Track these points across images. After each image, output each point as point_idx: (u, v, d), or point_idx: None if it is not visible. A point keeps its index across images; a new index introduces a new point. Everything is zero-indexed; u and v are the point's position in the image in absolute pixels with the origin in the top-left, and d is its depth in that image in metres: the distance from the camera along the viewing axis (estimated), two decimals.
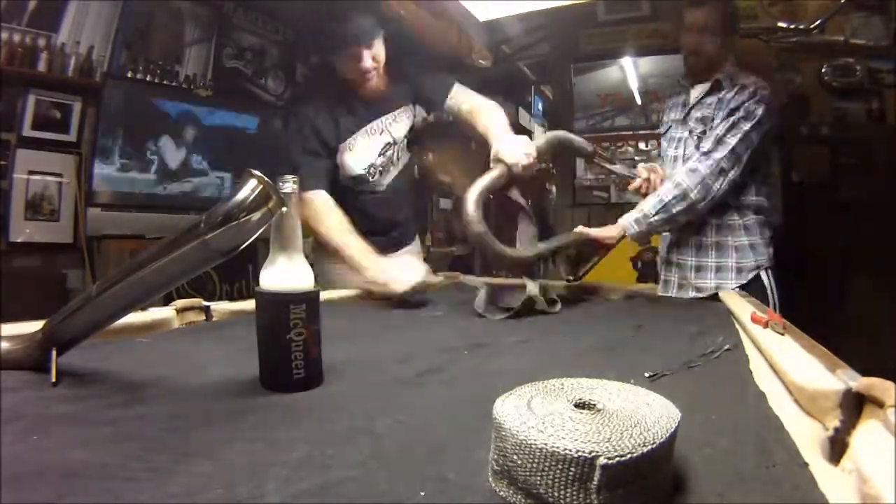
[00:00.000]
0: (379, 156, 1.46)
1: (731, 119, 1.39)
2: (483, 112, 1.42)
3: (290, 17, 3.64)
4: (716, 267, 1.48)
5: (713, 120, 1.44)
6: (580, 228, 1.40)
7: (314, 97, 1.43)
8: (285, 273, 0.57)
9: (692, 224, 1.48)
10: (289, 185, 0.57)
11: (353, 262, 1.27)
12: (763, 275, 1.46)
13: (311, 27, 1.37)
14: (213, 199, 2.72)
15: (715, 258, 1.48)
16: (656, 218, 1.39)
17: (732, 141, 1.37)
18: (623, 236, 1.41)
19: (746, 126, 1.37)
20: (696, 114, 1.51)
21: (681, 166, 1.47)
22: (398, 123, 1.48)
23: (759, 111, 1.37)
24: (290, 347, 0.56)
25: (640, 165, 1.61)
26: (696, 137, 1.48)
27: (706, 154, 1.40)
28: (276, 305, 0.56)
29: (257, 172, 0.50)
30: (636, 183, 1.57)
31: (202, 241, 0.50)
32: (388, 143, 1.47)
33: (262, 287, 0.58)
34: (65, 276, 2.60)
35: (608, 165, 1.77)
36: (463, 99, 1.47)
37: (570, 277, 1.38)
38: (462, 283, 1.52)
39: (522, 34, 3.69)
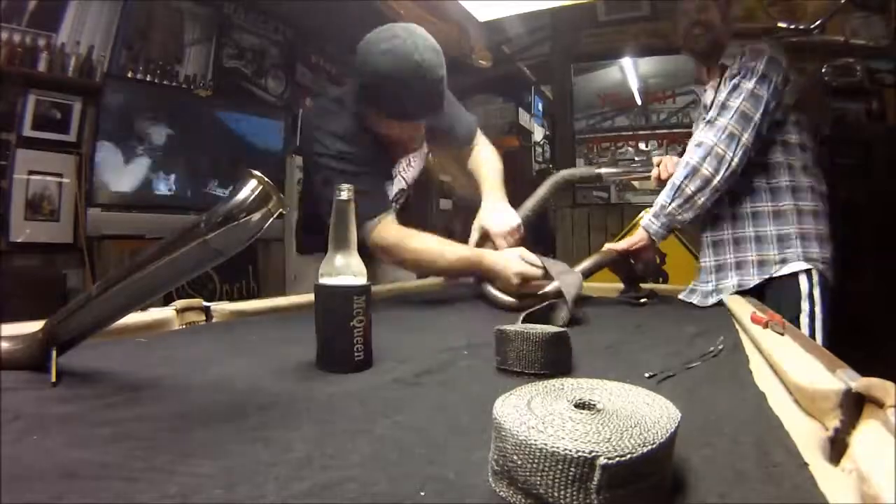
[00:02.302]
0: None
1: (732, 82, 1.23)
2: (483, 170, 1.42)
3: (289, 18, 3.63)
4: (735, 264, 1.28)
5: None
6: (607, 246, 1.32)
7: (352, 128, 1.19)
8: (346, 269, 0.66)
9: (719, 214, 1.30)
10: (345, 192, 0.65)
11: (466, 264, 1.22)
12: (803, 279, 1.21)
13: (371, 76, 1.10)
14: (214, 199, 2.73)
15: (734, 253, 1.29)
16: (673, 205, 1.23)
17: (735, 102, 1.20)
18: (652, 239, 1.28)
19: (749, 83, 1.21)
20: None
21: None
22: (412, 168, 1.37)
23: (760, 65, 1.21)
24: (353, 333, 0.65)
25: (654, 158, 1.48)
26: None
27: (710, 123, 1.23)
28: (342, 297, 0.64)
29: (257, 173, 0.50)
30: (653, 173, 1.43)
31: (202, 241, 0.50)
32: (402, 189, 1.34)
33: (326, 282, 0.65)
34: (65, 276, 2.60)
35: (622, 178, 1.71)
36: (475, 143, 1.46)
37: (643, 300, 1.29)
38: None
39: (522, 34, 3.70)
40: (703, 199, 1.22)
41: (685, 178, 1.22)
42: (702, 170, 1.20)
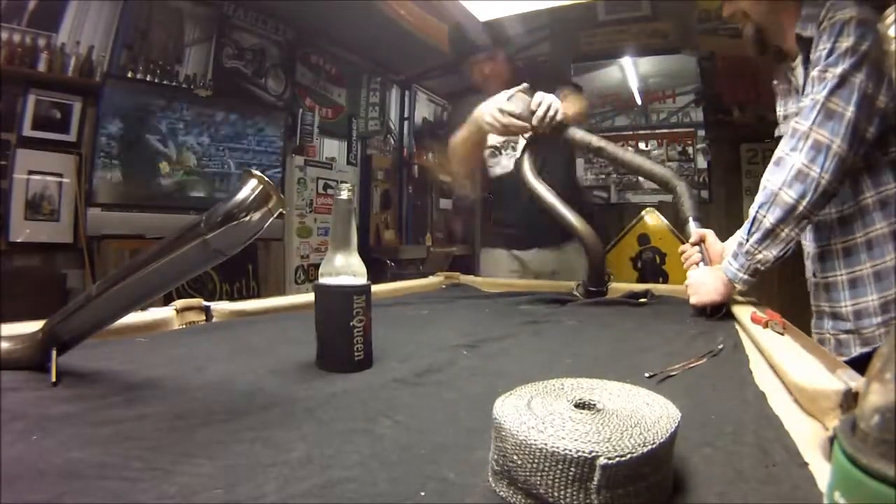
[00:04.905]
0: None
1: (816, 71, 0.92)
2: None
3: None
4: (853, 310, 0.97)
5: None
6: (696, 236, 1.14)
7: None
8: (347, 269, 0.65)
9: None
10: (345, 192, 0.65)
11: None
12: None
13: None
14: (213, 199, 2.73)
15: (848, 291, 0.98)
16: (751, 241, 0.95)
17: (819, 97, 0.90)
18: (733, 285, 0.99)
19: (836, 69, 0.88)
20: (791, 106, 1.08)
21: None
22: None
23: (847, 39, 0.88)
24: (352, 333, 0.65)
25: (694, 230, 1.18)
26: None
27: (793, 132, 0.94)
28: (342, 297, 0.64)
29: (257, 172, 0.50)
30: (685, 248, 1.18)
31: (202, 241, 0.50)
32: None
33: (326, 282, 0.65)
34: (65, 276, 2.60)
35: (624, 165, 1.45)
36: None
37: (642, 300, 1.27)
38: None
39: (522, 34, 3.70)
40: (789, 230, 0.93)
41: (762, 206, 0.95)
42: (783, 195, 0.92)
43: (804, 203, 0.90)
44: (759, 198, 0.96)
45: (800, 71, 1.03)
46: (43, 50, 2.49)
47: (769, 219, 0.93)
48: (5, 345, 0.60)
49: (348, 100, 4.40)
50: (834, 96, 0.89)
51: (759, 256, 0.95)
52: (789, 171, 0.92)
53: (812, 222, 0.94)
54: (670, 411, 0.35)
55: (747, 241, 0.96)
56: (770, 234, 0.93)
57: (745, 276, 0.97)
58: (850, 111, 0.88)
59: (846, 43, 0.88)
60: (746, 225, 0.98)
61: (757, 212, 0.95)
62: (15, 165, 2.45)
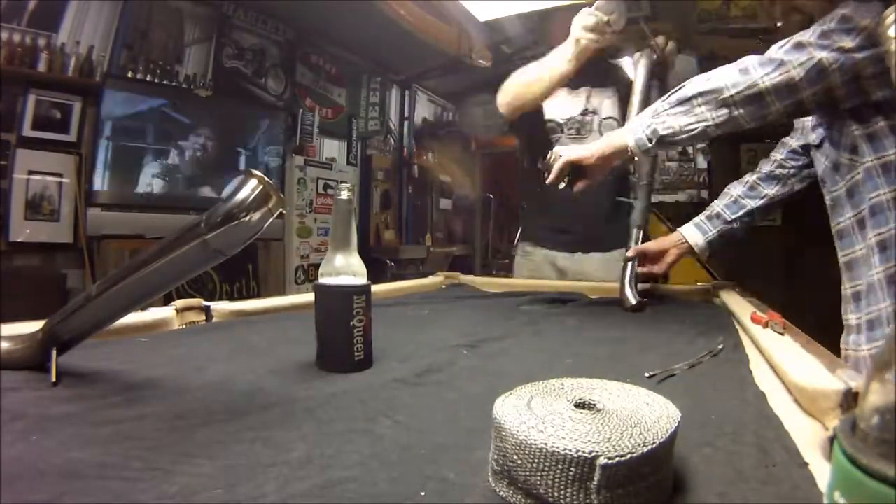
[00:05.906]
0: (578, 114, 1.59)
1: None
2: None
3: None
4: (856, 323, 0.91)
5: None
6: (632, 251, 1.22)
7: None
8: (347, 269, 0.65)
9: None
10: (345, 192, 0.65)
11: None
12: None
13: None
14: (213, 199, 2.73)
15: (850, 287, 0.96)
16: (666, 102, 0.96)
17: (804, 37, 0.85)
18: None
19: (839, 36, 0.82)
20: None
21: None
22: (606, 101, 1.62)
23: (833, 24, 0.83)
24: (352, 333, 0.65)
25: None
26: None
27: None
28: (342, 297, 0.64)
29: (257, 172, 0.50)
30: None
31: (202, 241, 0.50)
32: (586, 109, 1.61)
33: (326, 282, 0.65)
34: (65, 276, 2.60)
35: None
36: None
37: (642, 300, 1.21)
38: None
39: (522, 34, 3.70)
40: (703, 106, 0.91)
41: (692, 80, 0.94)
42: (715, 76, 0.91)
43: (732, 90, 0.89)
44: (702, 76, 0.95)
45: None
46: (43, 50, 2.50)
47: (691, 88, 0.93)
48: (5, 345, 0.60)
49: (348, 100, 4.41)
50: (809, 37, 0.84)
51: (665, 119, 0.95)
52: (745, 67, 0.89)
53: (734, 123, 0.91)
54: (670, 411, 0.35)
55: (665, 107, 0.96)
56: (686, 102, 0.93)
57: (641, 135, 0.98)
58: (819, 53, 0.83)
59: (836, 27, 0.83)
60: (668, 93, 0.97)
61: (689, 86, 0.95)
62: (15, 165, 2.46)
